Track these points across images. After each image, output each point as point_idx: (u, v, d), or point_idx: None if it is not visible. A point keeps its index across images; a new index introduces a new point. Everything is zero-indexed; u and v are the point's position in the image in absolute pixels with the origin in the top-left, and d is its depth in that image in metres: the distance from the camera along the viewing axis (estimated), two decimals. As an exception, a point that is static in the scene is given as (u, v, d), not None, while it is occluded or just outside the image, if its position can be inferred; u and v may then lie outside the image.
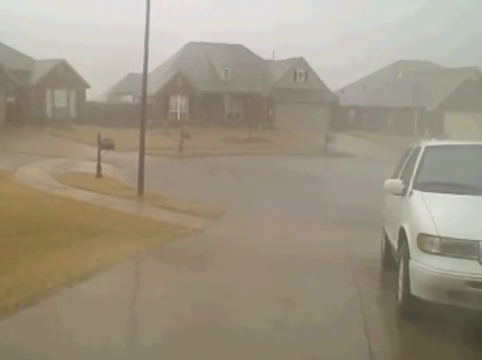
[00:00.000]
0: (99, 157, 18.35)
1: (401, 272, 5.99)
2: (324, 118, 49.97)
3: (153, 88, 42.09)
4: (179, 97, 47.88)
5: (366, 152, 33.10)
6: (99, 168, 18.32)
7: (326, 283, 7.46)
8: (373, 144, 38.88)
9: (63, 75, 41.19)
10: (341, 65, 74.79)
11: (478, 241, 5.20)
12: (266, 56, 55.44)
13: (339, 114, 52.35)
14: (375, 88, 54.32)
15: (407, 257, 5.70)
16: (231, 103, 50.65)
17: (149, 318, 6.04)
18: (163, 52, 48.20)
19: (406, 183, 6.70)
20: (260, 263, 8.54)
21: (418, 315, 5.73)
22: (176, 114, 47.75)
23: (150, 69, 15.86)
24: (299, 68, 52.17)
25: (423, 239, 5.45)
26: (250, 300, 6.63)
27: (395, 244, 6.76)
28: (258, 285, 7.23)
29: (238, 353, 5.12)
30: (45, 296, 6.34)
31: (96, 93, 49.12)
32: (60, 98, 41.42)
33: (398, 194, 6.81)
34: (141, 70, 15.40)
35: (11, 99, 36.43)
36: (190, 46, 52.83)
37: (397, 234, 6.49)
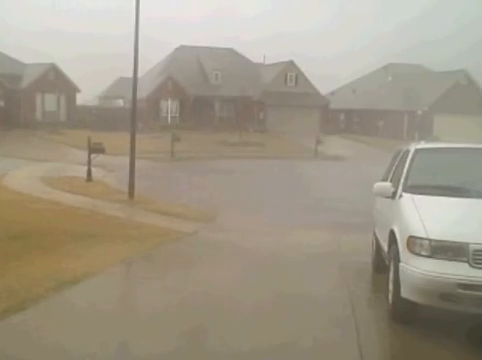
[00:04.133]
0: (89, 161, 18.28)
1: (391, 275, 6.00)
2: (315, 121, 50.09)
3: (144, 92, 42.07)
4: (170, 101, 47.85)
5: (357, 155, 33.21)
6: (89, 172, 18.25)
7: (317, 287, 7.45)
8: (364, 147, 39.04)
9: (53, 79, 41.10)
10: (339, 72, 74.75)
11: (468, 243, 5.22)
12: (257, 60, 55.59)
13: (330, 117, 52.50)
14: (365, 91, 54.53)
15: (397, 260, 5.71)
16: (222, 106, 50.69)
17: (138, 324, 6.01)
18: (151, 58, 48.05)
19: (396, 186, 6.71)
20: (249, 265, 8.53)
21: (409, 318, 5.74)
22: (167, 118, 47.71)
23: (139, 73, 15.78)
24: (289, 71, 52.30)
25: (413, 242, 5.46)
26: (241, 305, 6.60)
27: (385, 247, 6.77)
28: (248, 289, 7.22)
29: None
30: (35, 301, 6.30)
31: (86, 97, 49.06)
32: (50, 102, 41.29)
33: (388, 197, 6.81)
34: (131, 74, 15.37)
35: (1, 103, 36.27)
36: (180, 50, 52.83)
37: (387, 237, 6.50)
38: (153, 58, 49.26)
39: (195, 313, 6.25)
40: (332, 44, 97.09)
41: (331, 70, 72.49)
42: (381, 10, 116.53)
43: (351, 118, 54.80)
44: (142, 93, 39.85)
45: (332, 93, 57.64)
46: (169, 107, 48.12)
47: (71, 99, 42.79)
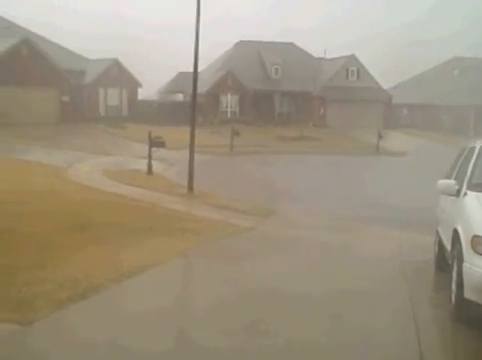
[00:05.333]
0: (150, 155, 18.59)
1: (454, 275, 5.81)
2: (376, 116, 49.15)
3: (204, 86, 42.42)
4: (229, 95, 48.05)
5: (420, 150, 32.37)
6: (150, 166, 18.56)
7: (378, 285, 7.31)
8: (427, 142, 38.02)
9: (116, 74, 42.00)
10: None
11: None
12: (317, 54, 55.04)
13: (392, 112, 51.43)
14: (430, 85, 53.07)
15: (461, 259, 5.52)
16: (282, 101, 50.48)
17: (194, 317, 6.05)
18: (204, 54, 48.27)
19: (460, 184, 6.49)
20: (307, 261, 8.47)
21: (472, 319, 5.54)
22: (226, 112, 47.94)
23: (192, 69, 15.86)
24: (351, 66, 51.49)
25: (477, 241, 5.27)
26: (303, 304, 6.54)
27: (448, 246, 6.57)
28: (309, 286, 7.15)
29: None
30: (95, 291, 6.45)
31: (148, 92, 49.90)
32: (113, 97, 42.24)
33: (452, 195, 6.60)
34: (190, 69, 15.52)
35: (66, 98, 37.35)
36: (240, 44, 52.94)
37: (450, 236, 6.29)
38: (206, 54, 49.37)
39: (257, 306, 6.26)
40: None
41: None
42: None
43: (414, 113, 53.45)
44: (202, 88, 40.21)
45: (395, 87, 56.42)
46: (229, 102, 48.33)
47: (133, 94, 43.64)
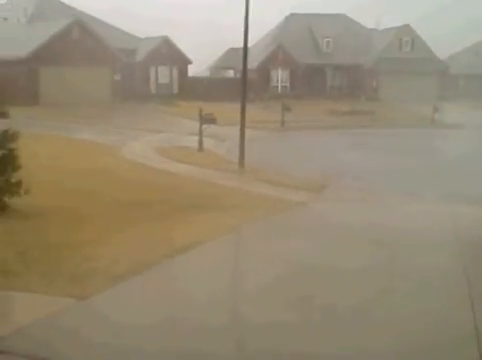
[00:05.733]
0: (201, 132, 18.62)
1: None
2: (432, 88, 47.69)
3: (254, 62, 42.09)
4: (280, 70, 47.55)
5: (478, 123, 31.22)
6: (201, 142, 18.60)
7: (434, 260, 7.11)
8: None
9: (166, 52, 42.15)
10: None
11: None
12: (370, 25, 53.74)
13: (448, 83, 49.78)
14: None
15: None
16: (333, 75, 49.63)
17: (244, 290, 6.03)
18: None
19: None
20: (362, 238, 8.30)
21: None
22: (277, 87, 47.53)
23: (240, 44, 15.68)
24: (405, 36, 49.99)
25: None
26: (358, 279, 6.43)
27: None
28: (363, 261, 7.02)
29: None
30: (149, 266, 6.52)
31: (198, 68, 49.97)
32: (163, 74, 42.47)
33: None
34: (240, 45, 15.36)
35: (117, 77, 37.80)
36: (291, 18, 52.18)
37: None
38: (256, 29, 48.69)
39: (310, 281, 6.19)
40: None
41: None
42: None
43: (472, 83, 51.54)
44: (252, 63, 39.87)
45: (452, 57, 54.52)
46: (279, 76, 47.85)
47: (183, 71, 43.74)
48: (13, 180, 8.69)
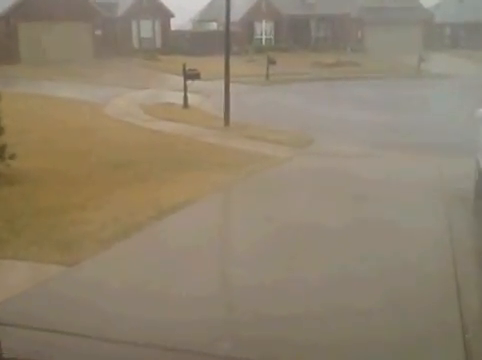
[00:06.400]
0: (185, 87, 18.38)
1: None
2: (418, 37, 47.29)
3: (237, 14, 41.30)
4: (264, 22, 46.77)
5: (464, 73, 31.13)
6: (186, 98, 18.39)
7: (416, 216, 7.21)
8: (472, 64, 36.48)
9: (147, 5, 41.19)
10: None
11: None
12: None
13: (434, 32, 49.32)
14: (473, 2, 50.39)
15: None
16: (318, 26, 48.90)
17: (236, 250, 6.07)
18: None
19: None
20: (349, 192, 8.37)
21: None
22: (261, 40, 46.84)
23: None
24: (389, -16, 49.18)
25: None
26: (345, 240, 6.49)
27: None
28: (351, 215, 7.09)
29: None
30: (137, 229, 6.52)
31: (180, 21, 48.97)
32: (146, 28, 41.59)
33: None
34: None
35: (99, 32, 37.00)
36: (274, -33, 50.98)
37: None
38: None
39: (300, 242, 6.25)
40: None
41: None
42: None
43: (458, 32, 51.12)
44: (236, 16, 39.14)
45: (437, 6, 53.85)
46: (263, 29, 47.11)
47: (166, 25, 42.88)
48: (-3, 145, 8.56)
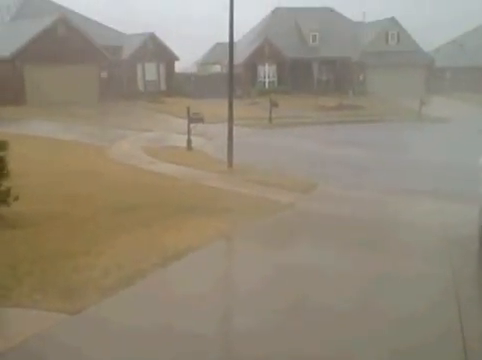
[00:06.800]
0: (189, 131, 18.60)
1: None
2: (419, 81, 47.86)
3: (240, 57, 42.00)
4: (267, 65, 47.44)
5: (465, 117, 31.38)
6: (189, 141, 18.58)
7: (420, 263, 7.19)
8: (472, 107, 36.83)
9: (153, 48, 41.90)
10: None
11: None
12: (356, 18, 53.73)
13: (434, 76, 49.95)
14: (475, 46, 51.18)
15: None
16: (320, 69, 49.59)
17: (239, 301, 6.03)
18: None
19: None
20: (351, 238, 8.36)
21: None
22: (264, 82, 47.44)
23: (236, 38, 15.59)
24: (391, 29, 50.03)
25: None
26: (343, 277, 6.46)
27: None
28: (350, 264, 7.07)
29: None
30: (141, 277, 6.50)
31: (186, 64, 49.75)
32: (151, 71, 42.17)
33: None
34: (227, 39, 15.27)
35: (104, 74, 37.52)
36: (277, 12, 52.06)
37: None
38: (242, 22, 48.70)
39: (301, 287, 6.22)
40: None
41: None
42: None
43: (458, 76, 51.77)
44: (239, 58, 39.82)
45: (437, 50, 54.70)
46: (266, 71, 47.76)
47: (170, 67, 43.50)
48: (2, 188, 8.60)
